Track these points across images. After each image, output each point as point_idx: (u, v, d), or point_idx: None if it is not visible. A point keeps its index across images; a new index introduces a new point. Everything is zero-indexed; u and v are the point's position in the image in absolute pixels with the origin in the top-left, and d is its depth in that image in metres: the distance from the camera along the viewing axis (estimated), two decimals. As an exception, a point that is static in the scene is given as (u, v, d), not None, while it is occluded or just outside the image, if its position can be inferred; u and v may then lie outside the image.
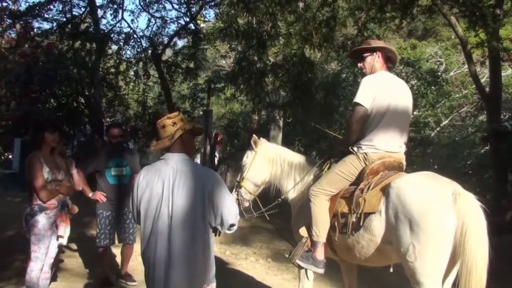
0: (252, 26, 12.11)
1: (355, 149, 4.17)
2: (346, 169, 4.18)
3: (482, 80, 14.39)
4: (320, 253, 4.23)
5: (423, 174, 3.97)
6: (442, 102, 18.52)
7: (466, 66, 19.22)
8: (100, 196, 5.94)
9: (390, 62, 4.38)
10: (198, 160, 17.11)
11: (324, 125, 13.10)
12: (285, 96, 14.81)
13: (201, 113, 18.47)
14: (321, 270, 4.26)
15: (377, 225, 3.85)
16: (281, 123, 15.65)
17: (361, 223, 3.94)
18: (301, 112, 14.03)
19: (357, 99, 4.04)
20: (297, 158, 4.99)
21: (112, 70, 14.68)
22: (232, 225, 3.27)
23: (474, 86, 17.68)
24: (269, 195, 5.09)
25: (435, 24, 30.08)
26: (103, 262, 6.25)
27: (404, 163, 4.28)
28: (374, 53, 4.23)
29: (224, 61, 24.74)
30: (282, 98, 14.44)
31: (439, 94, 17.96)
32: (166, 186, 3.17)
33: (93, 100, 12.99)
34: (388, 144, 4.13)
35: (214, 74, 20.48)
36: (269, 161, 4.96)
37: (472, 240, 3.42)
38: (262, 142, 5.04)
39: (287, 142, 15.41)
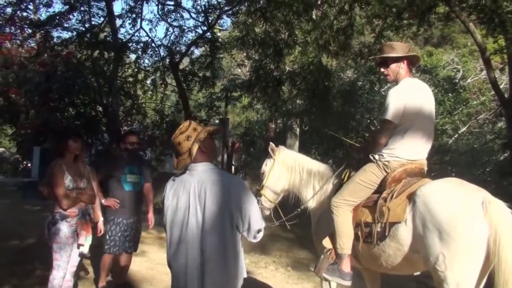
0: (269, 35, 12.12)
1: (376, 157, 4.11)
2: (367, 178, 4.12)
3: (501, 87, 14.26)
4: (346, 265, 4.17)
5: (450, 181, 3.90)
6: (460, 109, 18.37)
7: (483, 72, 19.24)
8: (113, 203, 5.90)
9: (412, 65, 4.34)
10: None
11: (341, 133, 13.07)
12: (301, 104, 14.80)
13: (217, 121, 18.56)
14: (348, 283, 4.20)
15: (404, 234, 3.78)
16: (297, 131, 15.63)
17: (386, 233, 3.88)
18: (318, 120, 14.00)
19: (387, 115, 3.98)
20: (316, 165, 4.93)
21: (130, 79, 14.78)
22: (259, 231, 3.25)
23: (492, 92, 17.65)
24: (289, 203, 5.05)
25: (451, 31, 29.94)
26: (105, 270, 6.15)
27: (426, 168, 4.22)
28: (400, 61, 4.17)
29: (239, 70, 24.85)
30: (298, 107, 14.44)
31: (457, 101, 17.83)
32: (192, 196, 3.18)
33: (111, 108, 13.07)
34: (411, 152, 4.09)
35: (230, 82, 20.57)
36: (288, 169, 4.92)
37: (506, 249, 3.33)
38: (281, 149, 5.00)
39: (304, 150, 15.34)
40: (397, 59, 4.17)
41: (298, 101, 14.84)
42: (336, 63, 12.96)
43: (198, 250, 3.14)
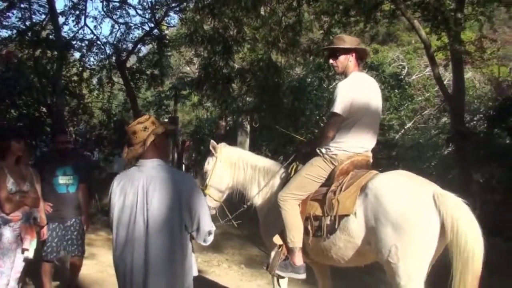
0: (217, 31, 12.00)
1: (323, 151, 4.14)
2: (314, 172, 4.15)
3: (445, 83, 14.69)
4: (298, 259, 4.16)
5: (399, 174, 4.01)
6: (406, 105, 18.79)
7: (427, 69, 19.80)
8: (46, 207, 5.60)
9: (361, 60, 4.37)
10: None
11: (291, 130, 13.11)
12: (251, 101, 14.79)
13: (166, 120, 18.28)
14: (302, 276, 4.20)
15: (354, 227, 3.83)
16: (248, 129, 15.60)
17: (336, 226, 3.91)
18: (268, 117, 14.02)
19: (335, 108, 4.01)
20: (261, 161, 4.91)
21: (75, 78, 14.31)
22: (209, 233, 3.17)
23: (436, 88, 18.17)
24: (235, 201, 5.01)
25: (396, 29, 30.58)
26: (46, 277, 5.90)
27: (371, 160, 4.29)
28: (349, 54, 4.19)
29: (188, 68, 24.60)
30: (248, 104, 14.40)
31: (403, 97, 18.24)
32: (141, 194, 3.06)
33: (56, 109, 12.62)
34: (358, 145, 4.15)
35: (179, 80, 20.32)
36: (231, 166, 4.85)
37: (466, 233, 3.45)
38: (222, 146, 4.92)
39: (255, 148, 15.37)
40: (346, 51, 4.20)
41: (248, 98, 14.80)
42: (285, 60, 12.97)
43: (144, 250, 3.01)
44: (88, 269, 6.59)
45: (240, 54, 13.30)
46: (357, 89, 4.08)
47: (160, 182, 3.08)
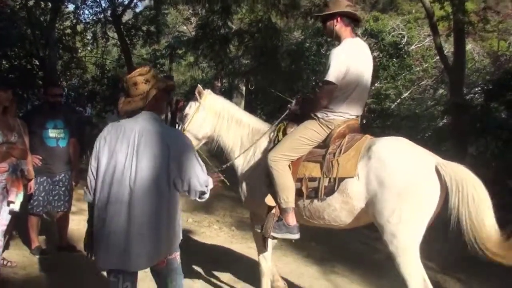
0: (216, -11, 11.72)
1: (319, 115, 4.09)
2: (308, 135, 4.11)
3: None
4: (292, 219, 4.12)
5: (400, 140, 4.03)
6: (403, 74, 18.62)
7: (427, 40, 19.55)
8: (35, 160, 5.48)
9: (352, 23, 4.19)
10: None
11: (287, 94, 12.96)
12: (247, 64, 14.57)
13: (161, 78, 17.98)
14: (297, 236, 4.16)
15: (355, 189, 3.87)
16: (243, 91, 15.42)
17: (335, 187, 3.93)
18: (264, 80, 13.85)
19: (329, 76, 3.92)
20: (247, 117, 4.73)
21: (69, 31, 13.97)
22: (202, 193, 3.06)
23: (435, 60, 17.99)
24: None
25: (398, -4, 30.16)
26: (33, 231, 5.88)
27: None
28: (333, 19, 4.06)
29: (185, 27, 24.17)
30: (245, 66, 14.19)
31: (401, 66, 18.06)
32: (131, 148, 2.92)
33: (48, 62, 12.33)
34: (353, 110, 4.14)
35: (175, 39, 19.94)
36: (214, 114, 4.66)
37: (473, 190, 3.56)
38: (208, 93, 4.71)
39: (250, 110, 15.20)
40: (331, 17, 4.07)
41: (244, 61, 14.57)
42: (284, 22, 12.73)
43: (127, 210, 2.87)
44: (77, 224, 6.51)
45: (239, 15, 13.04)
46: (351, 57, 3.98)
47: (151, 136, 2.95)
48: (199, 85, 4.82)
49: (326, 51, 17.35)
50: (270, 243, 4.65)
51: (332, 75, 3.90)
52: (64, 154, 5.90)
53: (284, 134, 4.32)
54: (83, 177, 5.68)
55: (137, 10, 15.48)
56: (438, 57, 19.13)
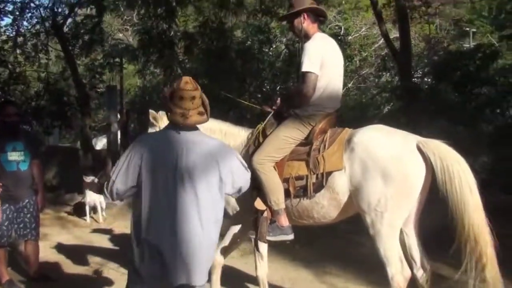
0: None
1: (299, 112, 4.13)
2: (293, 134, 4.13)
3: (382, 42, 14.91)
4: (285, 220, 4.11)
5: (379, 128, 4.19)
6: (346, 65, 18.94)
7: (363, 29, 20.05)
8: None
9: (319, 18, 4.29)
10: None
11: (235, 94, 12.90)
12: (193, 67, 14.38)
13: (103, 89, 17.33)
14: (291, 236, 4.17)
15: (341, 182, 3.94)
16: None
17: (324, 183, 3.97)
18: (213, 83, 13.72)
19: (307, 67, 3.97)
20: (216, 124, 4.55)
21: (6, 46, 13.25)
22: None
23: (373, 48, 18.44)
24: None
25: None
26: (1, 265, 5.49)
27: None
28: (299, 17, 4.17)
29: (121, 34, 23.62)
30: (194, 69, 13.98)
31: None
32: (180, 157, 2.89)
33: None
34: (333, 103, 4.21)
35: (112, 48, 19.37)
36: None
37: (458, 170, 3.66)
38: (163, 114, 4.43)
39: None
40: (297, 15, 4.19)
41: (189, 65, 14.36)
42: (232, 21, 12.66)
43: (194, 225, 2.85)
44: (43, 252, 6.14)
45: (184, 17, 12.84)
46: (325, 48, 4.09)
47: (201, 149, 2.96)
48: (150, 110, 4.66)
49: (269, 49, 17.40)
50: (265, 248, 4.69)
51: (310, 65, 3.97)
52: (26, 178, 5.54)
53: (264, 135, 4.30)
54: (51, 201, 5.37)
55: (78, 18, 14.85)
56: (376, 45, 19.83)
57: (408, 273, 3.83)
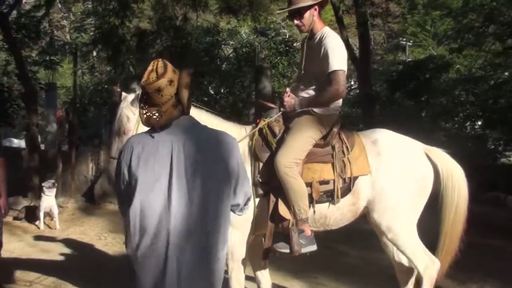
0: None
1: (318, 111, 3.80)
2: (315, 134, 3.81)
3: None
4: (308, 229, 3.79)
5: (392, 133, 4.09)
6: (292, 73, 18.95)
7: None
8: None
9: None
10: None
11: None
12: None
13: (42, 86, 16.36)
14: (315, 246, 3.81)
15: (365, 187, 3.82)
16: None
17: (351, 187, 3.81)
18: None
19: (340, 65, 3.69)
20: (209, 118, 3.92)
21: None
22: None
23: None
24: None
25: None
26: None
27: None
28: (312, 9, 3.86)
29: (56, 32, 22.66)
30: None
31: (290, 64, 18.20)
32: (176, 163, 2.29)
33: None
34: (339, 106, 4.00)
35: (49, 45, 18.43)
36: None
37: (458, 179, 3.92)
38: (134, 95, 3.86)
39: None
40: (310, 7, 3.86)
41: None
42: (194, 19, 12.32)
43: (187, 241, 2.24)
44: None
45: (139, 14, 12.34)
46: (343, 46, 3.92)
47: (201, 147, 2.34)
48: (115, 88, 4.28)
49: (218, 52, 17.12)
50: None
51: (343, 62, 3.75)
52: None
53: (273, 134, 3.90)
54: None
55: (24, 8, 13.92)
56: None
57: (437, 263, 3.85)
